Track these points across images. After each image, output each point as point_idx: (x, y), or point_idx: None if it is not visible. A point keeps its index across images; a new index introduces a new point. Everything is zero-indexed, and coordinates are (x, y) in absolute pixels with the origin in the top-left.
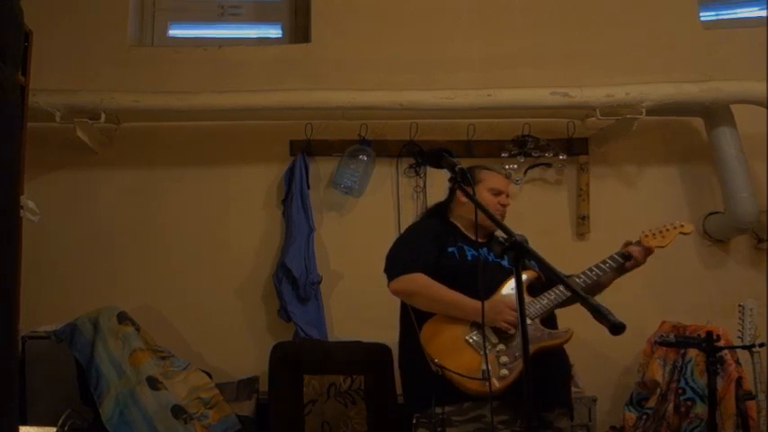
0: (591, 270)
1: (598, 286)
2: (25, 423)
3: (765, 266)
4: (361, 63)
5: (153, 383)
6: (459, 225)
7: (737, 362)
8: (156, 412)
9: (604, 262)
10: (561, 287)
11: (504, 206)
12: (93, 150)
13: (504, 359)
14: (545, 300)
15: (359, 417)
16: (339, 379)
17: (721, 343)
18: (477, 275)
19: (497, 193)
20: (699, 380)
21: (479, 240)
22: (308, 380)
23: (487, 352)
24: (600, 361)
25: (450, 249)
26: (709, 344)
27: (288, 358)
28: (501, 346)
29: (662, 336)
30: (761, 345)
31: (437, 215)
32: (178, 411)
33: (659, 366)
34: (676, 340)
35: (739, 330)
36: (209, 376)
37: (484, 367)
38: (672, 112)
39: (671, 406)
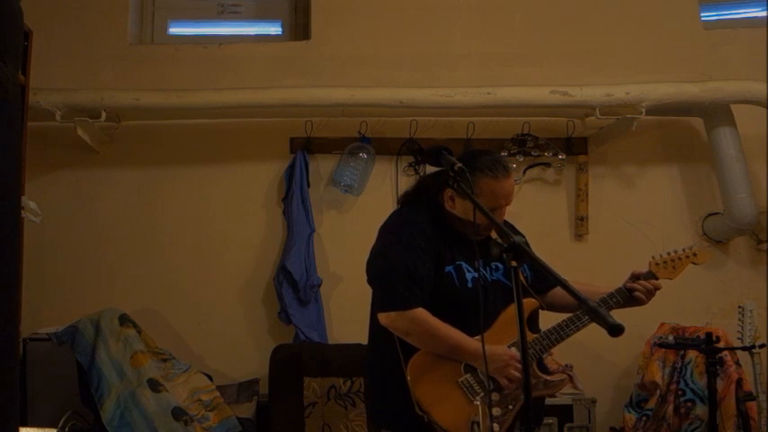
0: (597, 304)
1: None
2: (26, 424)
3: (766, 267)
4: (360, 60)
5: (154, 385)
6: (451, 223)
7: (737, 363)
8: (156, 414)
9: (611, 296)
10: (564, 323)
11: None
12: (94, 149)
13: (495, 411)
14: (545, 340)
15: (359, 419)
16: (339, 381)
17: (721, 344)
18: (478, 307)
19: (492, 210)
20: (698, 381)
21: (477, 240)
22: (308, 382)
23: (478, 401)
24: (599, 362)
25: (448, 269)
26: (708, 345)
27: (288, 361)
28: (494, 396)
29: (661, 337)
30: (761, 346)
31: (425, 206)
32: (179, 413)
33: (658, 368)
34: (675, 342)
35: (739, 331)
36: (210, 378)
37: (474, 419)
38: (671, 111)
39: (671, 407)
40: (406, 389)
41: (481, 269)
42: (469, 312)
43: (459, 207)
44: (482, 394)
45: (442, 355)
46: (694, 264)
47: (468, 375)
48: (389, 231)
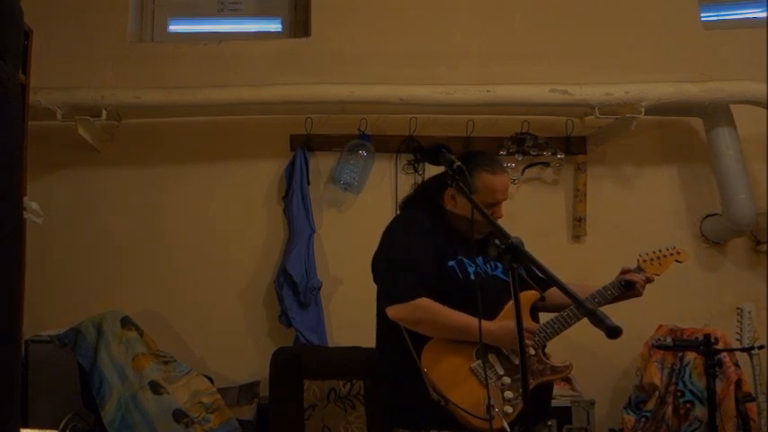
0: (593, 297)
1: None
2: (27, 426)
3: (765, 268)
4: (360, 57)
5: (155, 388)
6: (451, 222)
7: (736, 364)
8: (157, 416)
9: (606, 289)
10: (565, 314)
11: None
12: (95, 148)
13: (508, 394)
14: (549, 328)
15: (358, 421)
16: (339, 384)
17: (720, 345)
18: (477, 296)
19: (491, 205)
20: (697, 382)
21: (474, 238)
22: (308, 385)
23: (492, 384)
24: (598, 364)
25: (450, 263)
26: (707, 347)
27: (288, 363)
28: (506, 380)
29: (659, 339)
30: (760, 347)
31: (426, 207)
32: (180, 415)
33: (657, 369)
34: (674, 343)
35: (738, 333)
36: (211, 381)
37: (488, 402)
38: (671, 111)
39: (670, 408)
40: (420, 381)
41: (481, 264)
42: (473, 301)
43: (460, 205)
44: (494, 379)
45: (453, 342)
46: (678, 261)
47: (479, 361)
48: (391, 231)
